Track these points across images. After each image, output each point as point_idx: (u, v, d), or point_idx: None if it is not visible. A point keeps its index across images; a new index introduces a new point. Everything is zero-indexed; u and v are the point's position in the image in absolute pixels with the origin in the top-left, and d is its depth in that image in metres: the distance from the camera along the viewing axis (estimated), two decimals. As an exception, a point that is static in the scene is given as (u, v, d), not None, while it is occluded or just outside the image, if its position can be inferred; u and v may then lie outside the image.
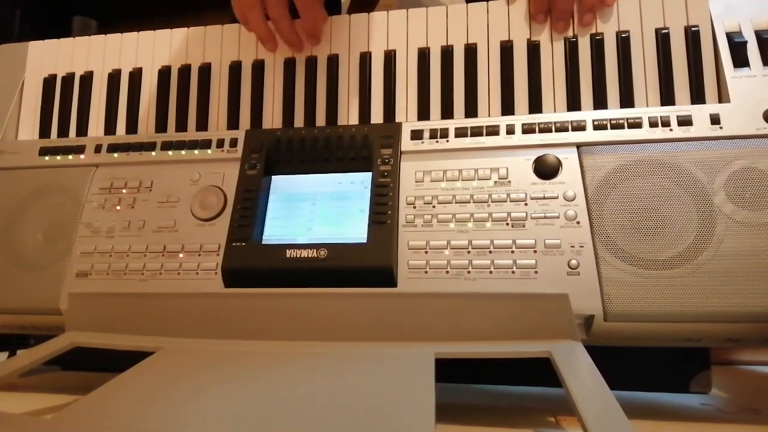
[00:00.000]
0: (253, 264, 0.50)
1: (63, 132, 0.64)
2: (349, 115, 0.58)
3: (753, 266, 0.44)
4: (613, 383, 0.39)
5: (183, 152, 0.58)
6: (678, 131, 0.49)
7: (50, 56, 0.66)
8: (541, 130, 0.52)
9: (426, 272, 0.48)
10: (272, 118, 0.60)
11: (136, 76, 0.63)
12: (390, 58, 0.58)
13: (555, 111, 0.54)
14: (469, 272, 0.48)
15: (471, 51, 0.57)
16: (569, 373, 0.40)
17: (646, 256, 0.46)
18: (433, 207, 0.51)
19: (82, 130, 0.63)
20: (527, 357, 0.44)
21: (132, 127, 0.62)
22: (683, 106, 0.51)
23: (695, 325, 0.45)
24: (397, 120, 0.57)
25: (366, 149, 0.54)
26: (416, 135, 0.54)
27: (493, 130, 0.53)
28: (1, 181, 0.60)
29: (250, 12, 0.58)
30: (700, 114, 0.50)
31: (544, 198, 0.49)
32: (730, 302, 0.44)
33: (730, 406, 0.55)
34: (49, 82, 0.65)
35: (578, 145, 0.51)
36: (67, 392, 0.53)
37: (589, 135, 0.51)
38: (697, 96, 0.52)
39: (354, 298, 0.48)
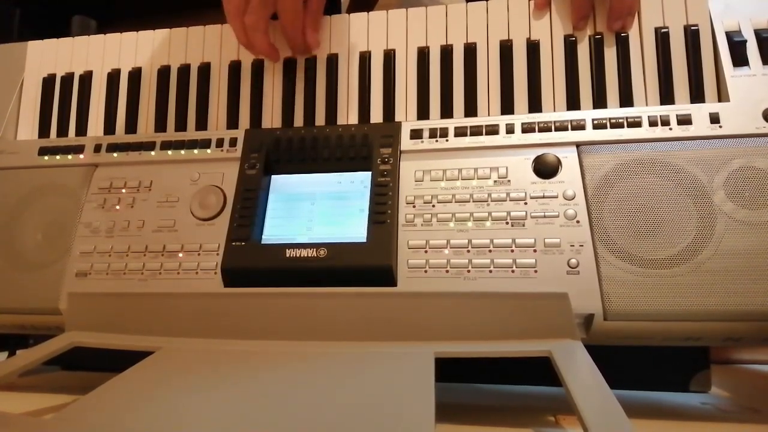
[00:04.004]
0: (253, 263, 0.50)
1: (62, 132, 0.64)
2: (348, 114, 0.58)
3: (753, 265, 0.44)
4: (613, 383, 0.39)
5: (182, 152, 0.58)
6: (677, 130, 0.49)
7: (49, 56, 0.66)
8: (541, 130, 0.52)
9: (426, 271, 0.48)
10: (272, 117, 0.59)
11: (135, 75, 0.63)
12: (389, 57, 0.58)
13: (554, 110, 0.54)
14: (468, 271, 0.48)
15: (470, 50, 0.57)
16: (569, 372, 0.40)
17: (645, 255, 0.46)
18: (433, 206, 0.50)
19: (81, 129, 0.63)
20: (527, 356, 0.44)
21: (131, 126, 0.62)
22: (683, 105, 0.51)
23: (695, 324, 0.45)
24: (396, 119, 0.57)
25: (366, 149, 0.54)
26: (416, 134, 0.54)
27: (492, 130, 0.53)
28: (1, 180, 0.60)
29: (234, 22, 0.58)
30: (699, 113, 0.50)
31: (543, 197, 0.49)
32: (729, 301, 0.44)
33: (729, 405, 0.55)
34: (48, 82, 0.65)
35: (578, 144, 0.51)
36: (67, 392, 0.53)
37: (589, 134, 0.51)
38: (697, 95, 0.52)
39: (354, 298, 0.48)
